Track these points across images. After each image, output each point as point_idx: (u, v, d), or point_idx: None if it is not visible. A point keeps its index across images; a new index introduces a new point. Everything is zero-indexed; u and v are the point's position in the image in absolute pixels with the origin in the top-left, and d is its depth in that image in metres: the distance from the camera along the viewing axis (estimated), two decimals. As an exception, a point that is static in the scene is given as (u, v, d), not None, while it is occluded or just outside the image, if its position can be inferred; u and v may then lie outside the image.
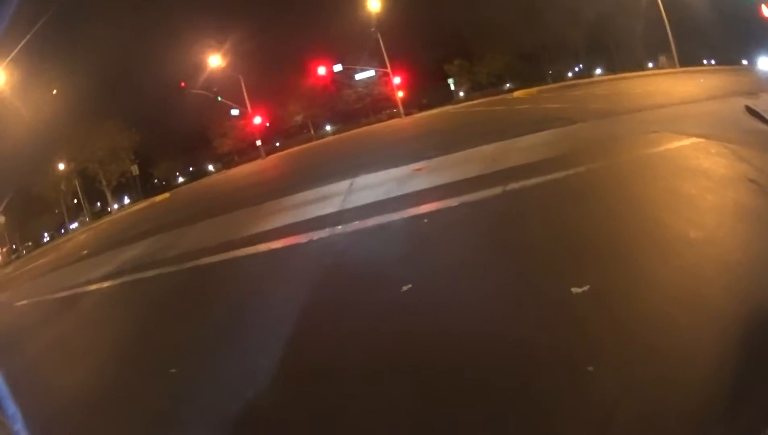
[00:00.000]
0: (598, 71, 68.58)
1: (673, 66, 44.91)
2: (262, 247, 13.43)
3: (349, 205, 15.06)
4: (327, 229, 12.89)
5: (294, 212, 16.43)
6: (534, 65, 72.65)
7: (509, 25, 66.98)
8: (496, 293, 6.97)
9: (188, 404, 6.44)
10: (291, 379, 6.26)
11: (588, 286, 6.28)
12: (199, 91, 64.27)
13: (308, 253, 11.94)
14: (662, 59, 49.78)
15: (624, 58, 59.55)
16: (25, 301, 18.32)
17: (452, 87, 76.18)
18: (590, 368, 4.80)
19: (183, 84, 65.35)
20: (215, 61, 63.07)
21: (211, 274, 12.89)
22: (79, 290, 15.80)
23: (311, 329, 7.50)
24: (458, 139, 22.72)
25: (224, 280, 12.10)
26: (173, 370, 7.52)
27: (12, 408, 3.52)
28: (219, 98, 64.20)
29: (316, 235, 12.72)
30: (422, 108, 67.00)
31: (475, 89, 74.31)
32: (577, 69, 75.29)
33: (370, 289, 8.53)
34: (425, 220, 11.41)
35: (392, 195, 14.67)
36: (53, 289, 17.58)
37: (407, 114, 63.01)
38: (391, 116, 67.98)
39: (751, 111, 14.10)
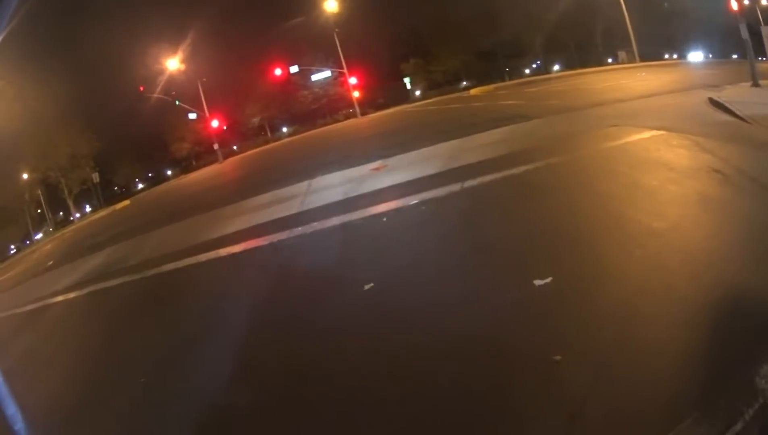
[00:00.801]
0: (556, 67, 69.21)
1: (633, 61, 45.41)
2: (223, 251, 13.27)
3: (308, 207, 14.96)
4: (286, 232, 12.79)
5: (253, 215, 16.30)
6: (491, 63, 73.20)
7: (466, 24, 67.35)
8: (459, 289, 6.91)
9: (156, 410, 6.48)
10: (257, 378, 6.27)
11: (550, 278, 6.25)
12: (158, 96, 63.57)
13: (268, 255, 11.91)
14: (622, 54, 50.41)
15: (583, 55, 60.24)
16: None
17: (408, 86, 76.42)
18: (557, 358, 4.78)
19: (142, 88, 64.52)
20: (173, 64, 62.36)
21: (173, 280, 12.75)
22: (46, 302, 15.54)
23: (277, 330, 7.49)
24: (415, 137, 22.60)
25: (187, 286, 11.99)
26: (143, 380, 7.42)
27: (12, 408, 3.50)
28: (177, 102, 63.43)
29: (275, 238, 12.65)
30: (378, 108, 66.96)
31: (432, 88, 74.62)
32: (534, 66, 76.06)
33: (332, 288, 8.48)
34: (384, 219, 11.34)
35: (351, 195, 14.59)
36: (21, 302, 17.15)
37: (363, 114, 62.94)
38: (348, 116, 67.92)
39: (714, 102, 14.17)
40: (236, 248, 13.17)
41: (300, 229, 12.73)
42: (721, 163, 9.35)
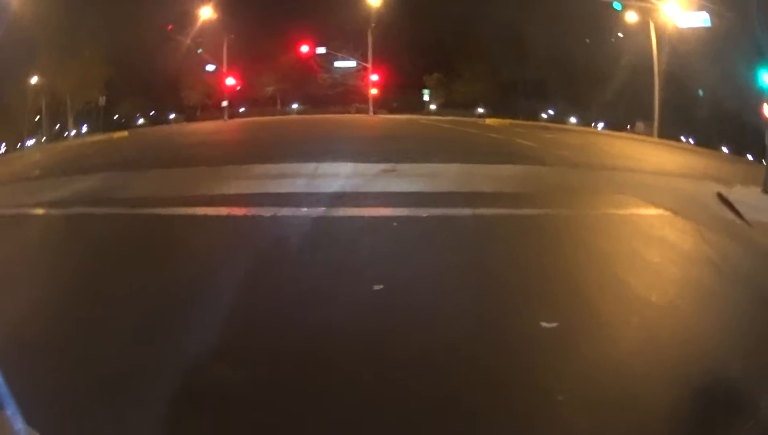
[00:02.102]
0: (573, 120, 69.43)
1: (649, 134, 45.39)
2: (222, 210, 13.27)
3: (314, 190, 14.97)
4: (291, 208, 12.80)
5: (256, 183, 16.23)
6: (510, 97, 73.20)
7: (495, 51, 67.32)
8: (469, 315, 7.05)
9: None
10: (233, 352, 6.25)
11: (556, 324, 6.52)
12: (182, 39, 63.16)
13: (270, 229, 11.77)
14: (639, 125, 50.23)
15: (601, 113, 60.22)
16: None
17: (426, 98, 76.19)
18: (560, 398, 5.10)
19: (170, 27, 64.03)
20: (206, 12, 61.92)
21: (161, 225, 12.53)
22: (26, 211, 15.14)
23: (265, 316, 7.36)
24: (428, 150, 22.79)
25: (176, 236, 11.73)
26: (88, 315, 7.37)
27: (12, 407, 3.40)
28: (199, 50, 63.09)
29: (279, 212, 12.59)
30: (391, 111, 66.79)
31: (447, 106, 74.44)
32: (550, 112, 76.13)
33: (340, 283, 8.44)
34: (394, 223, 11.47)
35: (360, 189, 14.69)
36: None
37: (375, 113, 62.87)
38: (359, 111, 67.48)
39: (722, 198, 14.43)
40: (235, 211, 13.21)
41: (305, 209, 12.73)
42: (719, 257, 9.60)
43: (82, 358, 6.14)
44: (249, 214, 12.89)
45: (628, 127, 53.54)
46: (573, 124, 61.98)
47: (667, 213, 12.52)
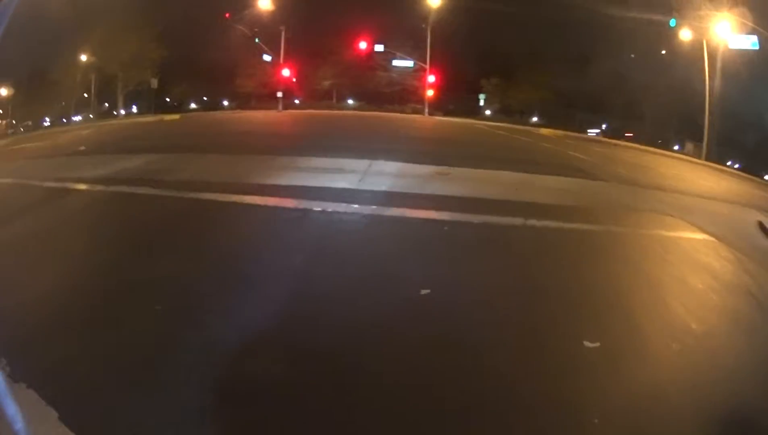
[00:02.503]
0: (628, 135, 68.66)
1: (698, 156, 44.83)
2: (270, 200, 13.34)
3: (367, 187, 15.00)
4: (342, 204, 12.88)
5: (307, 175, 16.30)
6: (565, 109, 72.58)
7: (557, 61, 66.75)
8: (515, 328, 7.26)
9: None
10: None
11: (599, 344, 6.71)
12: (240, 27, 63.61)
13: (321, 223, 11.94)
14: (689, 146, 49.57)
15: (652, 133, 59.50)
16: (9, 180, 17.77)
17: (481, 103, 75.71)
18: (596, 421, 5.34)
19: (227, 15, 64.46)
20: (265, 2, 62.25)
21: (212, 212, 12.65)
22: (68, 185, 15.35)
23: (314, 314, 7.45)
24: (483, 155, 22.82)
25: (223, 224, 11.90)
26: (158, 307, 7.49)
27: (12, 408, 3.57)
28: (257, 40, 63.44)
29: (330, 207, 12.69)
30: (447, 113, 66.43)
31: (503, 112, 73.93)
32: (603, 127, 75.37)
33: (386, 284, 8.53)
34: (445, 228, 11.55)
35: (413, 190, 14.73)
36: (42, 176, 16.97)
37: (430, 114, 62.81)
38: (415, 111, 67.20)
39: (763, 228, 14.34)
40: (287, 203, 13.17)
41: (356, 206, 12.81)
42: (757, 288, 9.66)
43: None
44: (299, 206, 12.85)
45: (677, 147, 52.87)
46: (626, 141, 61.19)
47: (711, 239, 12.54)
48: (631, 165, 28.01)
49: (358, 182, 15.55)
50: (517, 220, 12.10)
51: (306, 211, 12.53)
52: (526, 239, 11.33)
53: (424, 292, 8.01)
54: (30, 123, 78.07)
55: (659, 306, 8.45)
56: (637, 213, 14.80)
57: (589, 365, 6.40)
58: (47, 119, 79.03)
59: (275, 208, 12.91)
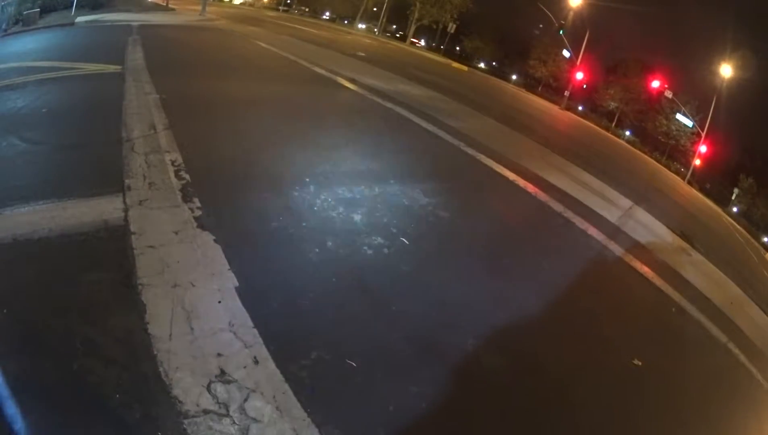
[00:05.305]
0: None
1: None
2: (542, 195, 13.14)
3: (625, 229, 14.05)
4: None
5: (578, 189, 15.65)
6: None
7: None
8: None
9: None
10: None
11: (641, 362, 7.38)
12: (550, 14, 63.37)
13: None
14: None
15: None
16: (263, 44, 19.59)
17: (734, 196, 70.84)
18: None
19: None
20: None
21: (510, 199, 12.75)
22: (340, 80, 16.42)
23: None
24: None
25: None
26: None
27: (12, 408, 3.47)
28: (561, 32, 62.87)
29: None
30: (701, 189, 62.82)
31: (744, 216, 68.36)
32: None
33: None
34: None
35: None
36: (309, 59, 18.66)
37: (688, 182, 59.58)
38: (676, 171, 64.51)
39: None
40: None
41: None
42: None
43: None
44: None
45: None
46: None
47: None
48: None
49: (617, 220, 14.53)
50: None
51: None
52: None
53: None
54: (306, 9, 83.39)
55: None
56: None
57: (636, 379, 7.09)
58: (327, 13, 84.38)
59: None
